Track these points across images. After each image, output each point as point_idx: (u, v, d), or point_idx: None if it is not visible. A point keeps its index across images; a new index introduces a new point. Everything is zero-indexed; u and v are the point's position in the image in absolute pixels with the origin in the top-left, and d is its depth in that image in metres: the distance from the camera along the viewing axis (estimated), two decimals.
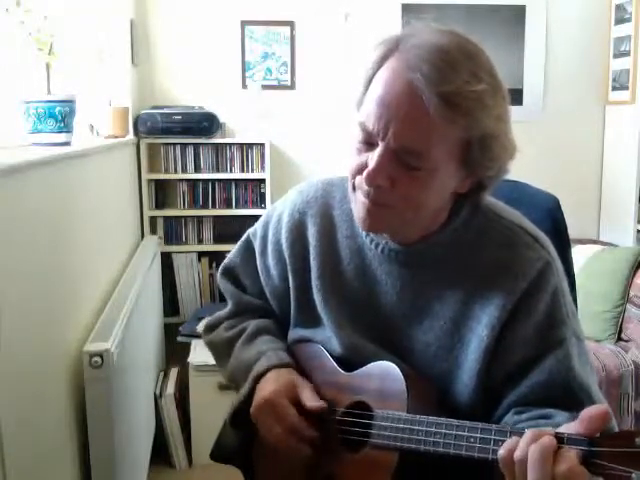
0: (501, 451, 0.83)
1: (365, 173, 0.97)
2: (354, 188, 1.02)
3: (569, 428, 0.82)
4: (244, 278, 1.28)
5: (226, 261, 1.31)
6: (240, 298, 1.28)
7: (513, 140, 0.99)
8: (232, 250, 1.31)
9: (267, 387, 1.10)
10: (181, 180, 3.19)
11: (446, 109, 0.91)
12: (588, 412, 0.80)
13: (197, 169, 3.18)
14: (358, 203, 1.02)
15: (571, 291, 1.08)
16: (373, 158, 0.96)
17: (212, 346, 1.29)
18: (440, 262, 1.06)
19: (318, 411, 1.07)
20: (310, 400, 1.08)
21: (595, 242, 3.35)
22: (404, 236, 1.06)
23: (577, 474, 0.77)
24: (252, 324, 1.23)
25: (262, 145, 3.18)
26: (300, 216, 1.18)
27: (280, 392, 1.08)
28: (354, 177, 1.01)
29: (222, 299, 1.34)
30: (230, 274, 1.30)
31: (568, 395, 0.98)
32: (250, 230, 1.29)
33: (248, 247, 1.27)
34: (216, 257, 3.19)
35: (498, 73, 0.97)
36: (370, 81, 0.98)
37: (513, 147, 0.99)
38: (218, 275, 1.33)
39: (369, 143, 0.97)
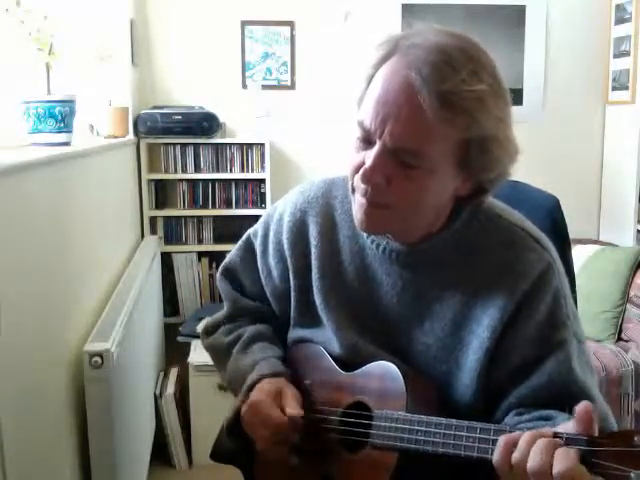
0: (496, 458, 0.83)
1: (361, 171, 0.97)
2: (353, 189, 1.02)
3: (566, 427, 0.82)
4: (244, 278, 1.28)
5: (226, 261, 1.31)
6: (237, 301, 1.28)
7: (515, 143, 0.98)
8: (232, 250, 1.31)
9: (254, 394, 1.10)
10: (181, 180, 3.19)
11: (443, 108, 0.90)
12: (579, 409, 0.80)
13: (197, 169, 3.18)
14: (356, 204, 1.01)
15: (571, 292, 1.08)
16: (370, 156, 0.96)
17: (211, 350, 1.29)
18: (441, 263, 1.06)
19: (294, 418, 1.05)
20: (290, 407, 1.07)
21: (595, 242, 3.35)
22: (404, 237, 1.06)
23: (577, 473, 0.77)
24: (248, 330, 1.23)
25: (262, 145, 3.18)
26: (301, 216, 1.18)
27: (263, 396, 1.08)
28: (353, 177, 1.01)
29: (222, 299, 1.34)
30: (230, 274, 1.30)
31: (568, 397, 0.98)
32: (251, 230, 1.29)
33: (249, 247, 1.27)
34: (216, 257, 3.19)
35: (501, 76, 0.96)
36: (370, 80, 0.98)
37: (515, 150, 0.98)
38: (218, 275, 1.33)
39: (367, 141, 0.97)
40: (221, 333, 1.27)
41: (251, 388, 1.12)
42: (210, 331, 1.29)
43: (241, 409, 1.10)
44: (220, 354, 1.25)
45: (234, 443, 1.17)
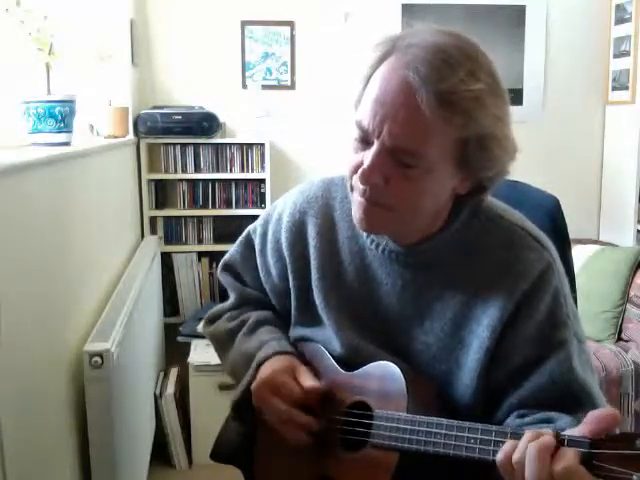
0: (499, 456, 0.84)
1: (360, 171, 0.97)
2: (352, 189, 1.02)
3: (574, 431, 0.81)
4: (244, 274, 1.28)
5: (226, 257, 1.32)
6: (242, 290, 1.28)
7: (514, 142, 0.98)
8: (232, 246, 1.31)
9: (267, 370, 1.10)
10: (181, 180, 3.19)
11: (441, 107, 0.90)
12: (595, 414, 0.80)
13: (197, 169, 3.18)
14: (356, 204, 1.01)
15: (571, 292, 1.08)
16: (368, 156, 0.96)
17: (213, 338, 1.29)
18: (441, 263, 1.06)
19: (313, 390, 1.07)
20: (308, 380, 1.08)
21: (595, 242, 3.35)
22: (404, 237, 1.06)
23: (575, 472, 0.77)
24: (254, 315, 1.23)
25: (262, 145, 3.18)
26: (301, 216, 1.18)
27: (281, 371, 1.09)
28: (351, 177, 1.01)
29: (222, 299, 1.34)
30: (230, 269, 1.30)
31: (569, 397, 0.98)
32: (250, 226, 1.29)
33: (248, 243, 1.27)
34: (216, 257, 3.18)
35: (499, 76, 0.96)
36: (368, 80, 0.98)
37: (513, 149, 0.98)
38: (218, 270, 1.33)
39: (365, 141, 0.97)
40: (225, 320, 1.27)
41: (260, 366, 1.12)
42: (213, 319, 1.29)
43: (251, 387, 1.10)
44: (223, 340, 1.25)
45: (239, 430, 1.17)
